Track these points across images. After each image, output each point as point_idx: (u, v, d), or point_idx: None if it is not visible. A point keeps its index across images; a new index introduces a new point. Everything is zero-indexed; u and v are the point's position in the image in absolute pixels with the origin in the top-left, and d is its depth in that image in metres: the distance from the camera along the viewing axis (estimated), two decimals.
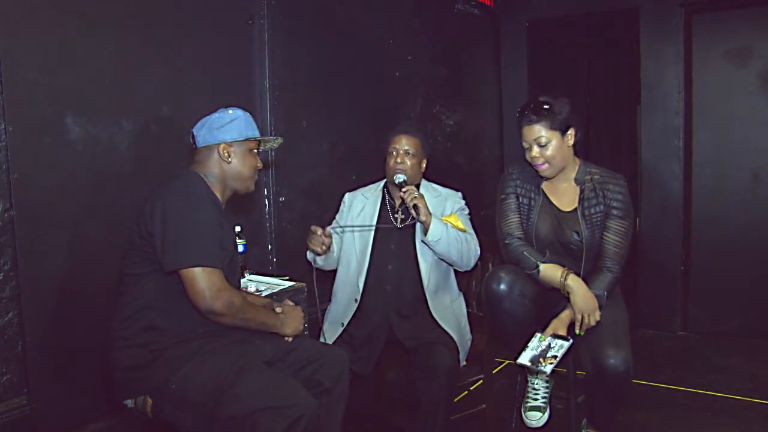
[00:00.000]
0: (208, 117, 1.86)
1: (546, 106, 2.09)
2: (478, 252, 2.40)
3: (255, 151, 1.91)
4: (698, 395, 2.96)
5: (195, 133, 1.86)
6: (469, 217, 2.49)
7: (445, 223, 2.31)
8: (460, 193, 2.53)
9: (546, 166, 2.13)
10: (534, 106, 2.11)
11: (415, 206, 2.25)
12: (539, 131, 2.09)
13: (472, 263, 2.40)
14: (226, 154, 1.84)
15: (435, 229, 2.26)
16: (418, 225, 2.36)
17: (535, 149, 2.11)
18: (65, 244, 1.99)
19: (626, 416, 2.67)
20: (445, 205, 2.45)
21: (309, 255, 2.42)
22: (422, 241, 2.32)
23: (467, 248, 2.34)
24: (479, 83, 4.30)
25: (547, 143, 2.10)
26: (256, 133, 1.90)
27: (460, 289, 2.54)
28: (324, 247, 2.27)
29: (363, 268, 2.39)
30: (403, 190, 2.31)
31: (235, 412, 1.60)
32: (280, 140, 2.03)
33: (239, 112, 1.88)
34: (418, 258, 2.38)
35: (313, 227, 2.26)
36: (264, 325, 1.85)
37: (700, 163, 3.85)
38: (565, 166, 2.16)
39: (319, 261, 2.38)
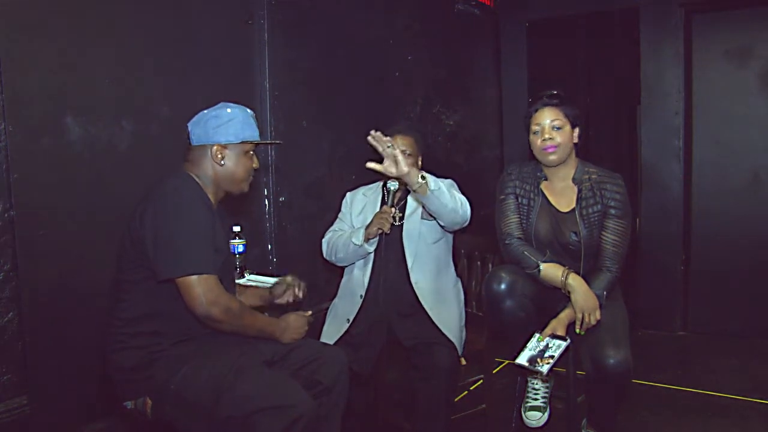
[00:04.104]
0: (205, 113, 1.79)
1: (558, 99, 2.16)
2: (467, 204, 2.30)
3: (251, 152, 1.84)
4: (698, 395, 2.96)
5: (190, 130, 1.79)
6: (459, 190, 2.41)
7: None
8: (451, 180, 2.47)
9: (556, 149, 2.13)
10: (549, 95, 2.16)
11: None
12: (556, 114, 2.14)
13: (468, 212, 2.29)
14: (219, 156, 1.77)
15: (431, 180, 2.09)
16: (405, 224, 2.39)
17: (549, 131, 2.13)
18: (65, 244, 1.99)
19: (626, 416, 2.67)
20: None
21: (358, 240, 2.33)
22: (423, 208, 2.27)
23: (454, 201, 2.20)
24: (479, 83, 4.30)
25: (561, 126, 2.13)
26: (254, 135, 1.82)
27: (459, 283, 2.53)
28: (389, 225, 2.27)
29: (368, 264, 2.41)
30: (383, 209, 2.32)
31: (233, 413, 1.60)
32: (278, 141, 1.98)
33: (237, 111, 1.80)
34: (406, 257, 2.38)
35: (385, 207, 2.31)
36: (262, 332, 1.82)
37: (700, 163, 3.85)
38: (567, 158, 2.17)
39: (368, 247, 2.35)
